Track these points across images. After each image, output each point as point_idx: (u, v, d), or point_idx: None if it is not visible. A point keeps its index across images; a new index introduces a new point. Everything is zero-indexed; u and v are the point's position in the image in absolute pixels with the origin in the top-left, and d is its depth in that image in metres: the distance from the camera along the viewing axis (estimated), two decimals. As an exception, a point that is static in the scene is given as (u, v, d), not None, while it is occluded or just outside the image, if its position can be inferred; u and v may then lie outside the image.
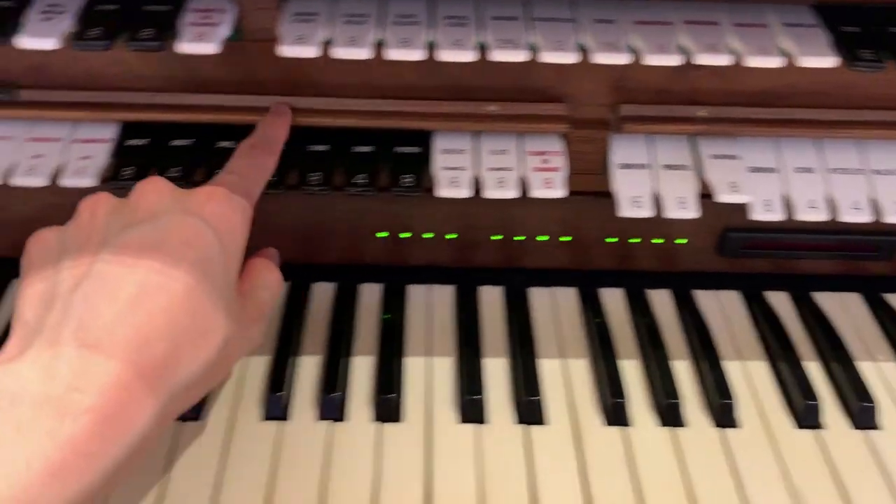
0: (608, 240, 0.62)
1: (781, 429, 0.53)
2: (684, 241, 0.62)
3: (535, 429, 0.51)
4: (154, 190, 0.42)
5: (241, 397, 0.53)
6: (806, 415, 0.53)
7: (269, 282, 0.47)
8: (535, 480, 0.48)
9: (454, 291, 0.62)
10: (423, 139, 0.55)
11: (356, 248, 0.62)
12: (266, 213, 0.59)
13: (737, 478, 0.49)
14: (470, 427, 0.51)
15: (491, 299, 0.61)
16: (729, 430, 0.52)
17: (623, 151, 0.56)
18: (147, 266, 0.38)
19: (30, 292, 0.40)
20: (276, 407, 0.51)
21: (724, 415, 0.53)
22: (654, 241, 0.62)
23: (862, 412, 0.53)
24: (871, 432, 0.53)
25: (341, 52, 0.47)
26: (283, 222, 0.60)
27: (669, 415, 0.53)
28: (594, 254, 0.63)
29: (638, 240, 0.62)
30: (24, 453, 0.33)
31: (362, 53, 0.47)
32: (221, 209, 0.42)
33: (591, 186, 0.58)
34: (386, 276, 0.62)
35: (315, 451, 0.49)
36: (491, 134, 0.55)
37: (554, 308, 0.61)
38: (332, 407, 0.52)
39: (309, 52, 0.47)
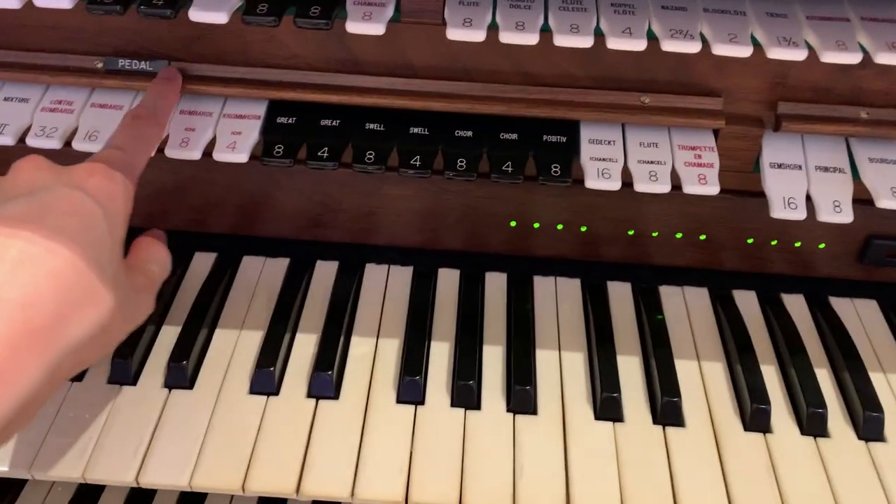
0: (749, 241, 0.60)
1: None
2: (823, 245, 0.60)
3: (670, 430, 0.51)
4: (32, 167, 0.44)
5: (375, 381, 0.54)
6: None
7: (158, 256, 0.49)
8: (674, 477, 0.48)
9: (580, 285, 0.61)
10: (570, 129, 0.54)
11: (482, 236, 0.62)
12: (396, 197, 0.60)
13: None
14: (608, 425, 0.52)
15: (620, 293, 0.61)
16: (872, 444, 0.51)
17: (777, 150, 0.54)
18: (29, 236, 0.39)
19: None
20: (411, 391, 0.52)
21: (869, 427, 0.51)
22: (796, 244, 0.60)
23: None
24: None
25: (508, 37, 0.46)
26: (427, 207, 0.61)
27: (812, 424, 0.51)
28: (729, 254, 0.62)
29: (775, 242, 0.60)
30: None
31: (531, 39, 0.46)
32: (102, 182, 0.44)
33: (738, 185, 0.56)
34: (511, 266, 0.62)
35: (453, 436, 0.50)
36: (639, 126, 0.54)
37: (685, 307, 0.60)
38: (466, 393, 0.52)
39: (477, 36, 0.46)
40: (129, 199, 0.46)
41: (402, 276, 0.61)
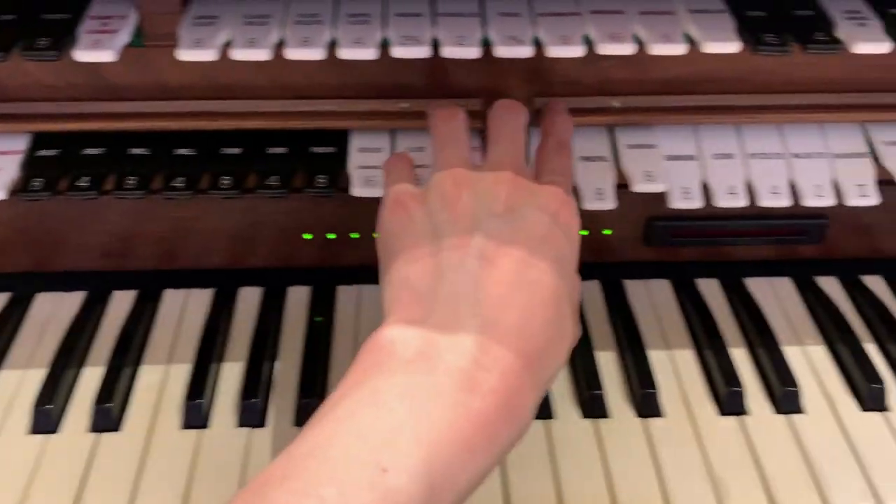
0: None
1: (704, 417, 0.53)
2: (609, 231, 0.62)
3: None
4: (509, 177, 0.42)
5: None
6: (729, 401, 0.53)
7: (580, 286, 0.46)
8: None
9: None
10: (341, 140, 0.55)
11: (283, 251, 0.62)
12: (185, 219, 0.60)
13: (657, 467, 0.50)
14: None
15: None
16: (651, 420, 0.52)
17: (542, 144, 0.56)
18: (518, 258, 0.38)
19: (412, 259, 0.40)
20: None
21: (646, 404, 0.53)
22: (581, 232, 0.62)
23: (785, 397, 0.53)
24: (795, 416, 0.53)
25: (241, 55, 0.46)
26: (206, 227, 0.60)
27: (592, 406, 0.53)
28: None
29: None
30: (444, 422, 0.32)
31: (262, 55, 0.46)
32: (565, 210, 0.42)
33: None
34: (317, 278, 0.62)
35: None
36: (407, 132, 0.55)
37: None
38: (251, 412, 0.52)
39: (208, 55, 0.46)
40: (580, 227, 0.44)
41: (201, 299, 0.61)
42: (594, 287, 0.62)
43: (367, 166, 0.53)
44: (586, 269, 0.62)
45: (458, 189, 0.42)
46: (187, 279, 0.62)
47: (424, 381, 0.33)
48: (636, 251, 0.63)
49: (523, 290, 0.37)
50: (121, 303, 0.60)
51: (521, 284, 0.37)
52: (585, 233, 0.62)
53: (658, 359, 0.56)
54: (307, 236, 0.61)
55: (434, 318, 0.36)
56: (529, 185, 0.43)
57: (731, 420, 0.53)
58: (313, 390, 0.53)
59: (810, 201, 0.54)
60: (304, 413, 0.51)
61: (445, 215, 0.41)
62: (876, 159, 0.56)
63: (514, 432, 0.35)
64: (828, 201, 0.54)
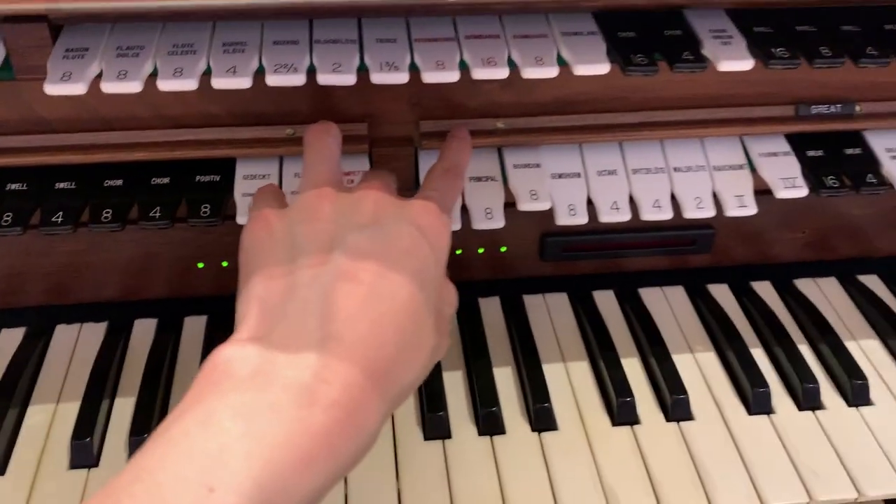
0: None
1: (597, 427, 0.54)
2: (505, 248, 0.63)
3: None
4: (376, 194, 0.43)
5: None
6: (621, 412, 0.54)
7: (452, 299, 0.47)
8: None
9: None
10: (227, 168, 0.55)
11: (178, 281, 0.61)
12: (73, 253, 0.58)
13: (551, 481, 0.50)
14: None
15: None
16: (546, 434, 0.53)
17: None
18: (376, 271, 0.38)
19: (267, 276, 0.40)
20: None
21: (540, 419, 0.54)
22: (479, 250, 0.63)
23: (675, 405, 0.55)
24: (684, 423, 0.54)
25: (111, 87, 0.46)
26: (96, 260, 0.59)
27: (488, 423, 0.53)
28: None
29: (459, 251, 0.62)
30: (279, 437, 0.32)
31: (133, 87, 0.46)
32: (435, 223, 0.42)
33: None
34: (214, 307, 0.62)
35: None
36: (294, 157, 0.55)
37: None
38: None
39: (77, 88, 0.46)
40: (450, 245, 0.44)
41: (94, 333, 0.60)
42: (494, 303, 0.63)
43: (253, 194, 0.53)
44: (486, 286, 0.64)
45: (321, 202, 0.42)
46: (80, 313, 0.60)
47: (260, 397, 0.33)
48: (534, 267, 0.64)
49: (375, 304, 0.37)
50: (8, 340, 0.59)
51: (373, 297, 0.37)
52: (482, 250, 0.63)
53: (554, 372, 0.57)
54: (200, 265, 0.60)
55: (277, 333, 0.36)
56: (399, 200, 0.43)
57: (623, 430, 0.54)
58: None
59: (691, 213, 0.56)
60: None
61: (306, 229, 0.41)
62: (753, 170, 0.58)
63: (359, 445, 0.35)
64: (708, 213, 0.56)
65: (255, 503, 0.31)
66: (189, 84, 0.46)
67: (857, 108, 0.58)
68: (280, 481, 0.32)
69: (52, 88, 0.45)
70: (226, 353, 0.35)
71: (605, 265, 0.66)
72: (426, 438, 0.53)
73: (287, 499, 0.32)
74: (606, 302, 0.64)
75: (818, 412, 0.55)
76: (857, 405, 0.56)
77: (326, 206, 0.42)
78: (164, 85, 0.46)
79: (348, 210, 0.42)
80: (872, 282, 0.67)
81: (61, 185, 0.52)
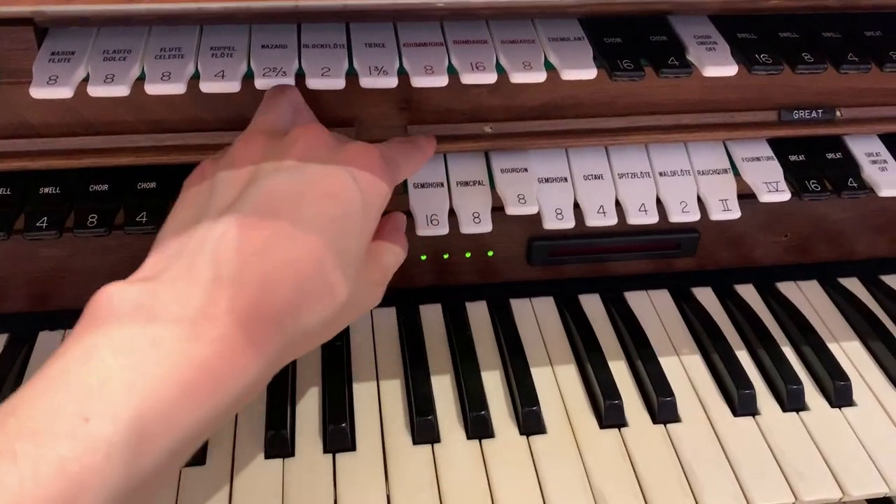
0: (422, 257, 0.63)
1: (585, 430, 0.54)
2: (492, 253, 0.63)
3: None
4: (310, 135, 0.42)
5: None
6: (609, 415, 0.55)
7: (396, 247, 0.47)
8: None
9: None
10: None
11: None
12: (58, 258, 0.58)
13: (540, 484, 0.50)
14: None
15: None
16: (535, 437, 0.53)
17: (421, 171, 0.56)
18: (286, 214, 0.38)
19: (177, 217, 0.41)
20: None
21: (529, 422, 0.54)
22: (466, 255, 0.63)
23: (662, 407, 0.55)
24: (671, 425, 0.55)
25: (98, 91, 0.45)
26: (82, 266, 0.58)
27: (477, 427, 0.53)
28: (414, 272, 0.64)
29: (447, 255, 0.62)
30: (161, 368, 0.33)
31: (120, 90, 0.46)
32: (371, 169, 0.42)
33: (395, 207, 0.58)
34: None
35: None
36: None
37: (374, 327, 0.61)
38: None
39: (63, 92, 0.45)
40: (388, 195, 0.44)
41: None
42: (481, 307, 0.63)
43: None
44: (473, 290, 0.64)
45: (250, 147, 0.42)
46: (64, 320, 0.60)
47: (143, 332, 0.34)
48: (521, 271, 0.65)
49: (274, 247, 0.37)
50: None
51: (274, 240, 0.38)
52: (469, 255, 0.63)
53: (542, 376, 0.58)
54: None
55: (169, 273, 0.37)
56: (336, 142, 0.43)
57: (611, 433, 0.54)
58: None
59: (676, 217, 0.56)
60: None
61: (228, 174, 0.41)
62: (737, 175, 0.58)
63: (244, 383, 0.36)
64: (693, 217, 0.56)
65: (134, 431, 0.32)
66: (177, 88, 0.46)
67: (838, 113, 0.59)
68: (161, 411, 0.33)
69: (38, 92, 0.45)
70: (109, 291, 0.36)
71: (591, 269, 0.66)
72: (415, 443, 0.52)
73: (169, 429, 0.33)
74: (593, 305, 0.64)
75: (802, 413, 0.56)
76: (839, 406, 0.57)
77: (255, 151, 0.42)
78: (152, 89, 0.46)
79: (276, 152, 0.41)
80: (853, 284, 0.68)
81: (46, 190, 0.52)
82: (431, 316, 0.62)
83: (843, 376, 0.58)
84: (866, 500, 0.56)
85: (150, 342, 0.34)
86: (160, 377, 0.33)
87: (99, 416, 0.31)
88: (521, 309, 0.63)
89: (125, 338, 0.34)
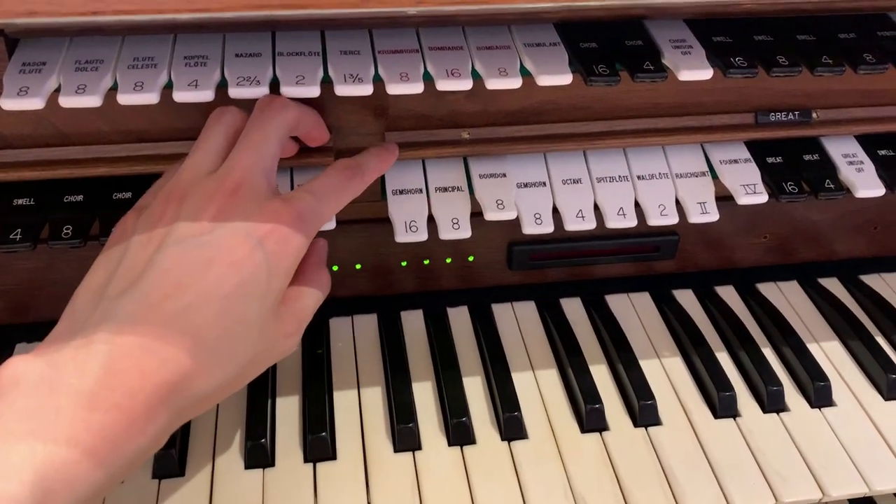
0: (402, 263, 0.62)
1: (567, 435, 0.54)
2: (472, 258, 0.63)
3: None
4: (227, 195, 0.42)
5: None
6: (590, 419, 0.55)
7: (312, 289, 0.47)
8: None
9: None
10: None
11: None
12: (35, 270, 0.57)
13: (521, 490, 0.50)
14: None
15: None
16: (516, 443, 0.53)
17: (399, 177, 0.56)
18: (187, 286, 0.40)
19: (91, 278, 0.43)
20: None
21: (510, 428, 0.54)
22: (447, 260, 0.63)
23: (643, 410, 0.55)
24: (652, 429, 0.55)
25: (70, 102, 0.45)
26: (59, 277, 0.58)
27: (458, 433, 0.53)
28: (394, 278, 0.63)
29: (427, 261, 0.62)
30: (63, 434, 0.36)
31: (92, 101, 0.45)
32: (280, 232, 0.42)
33: (375, 214, 0.58)
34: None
35: None
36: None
37: (355, 335, 0.61)
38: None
39: (35, 103, 0.45)
40: (303, 254, 0.44)
41: None
42: (463, 313, 0.63)
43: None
44: (454, 296, 0.64)
45: (167, 204, 0.43)
46: (40, 332, 0.59)
47: (46, 402, 0.37)
48: (502, 275, 0.65)
49: (175, 320, 0.39)
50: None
51: (174, 313, 0.39)
52: (450, 260, 0.63)
53: (523, 381, 0.58)
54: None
55: (71, 345, 0.39)
56: (249, 201, 0.42)
57: (592, 437, 0.54)
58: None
59: (655, 220, 0.56)
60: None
61: (140, 238, 0.42)
62: (715, 177, 0.59)
63: (143, 442, 0.39)
64: (671, 220, 0.56)
65: (38, 490, 0.35)
66: (150, 98, 0.46)
67: (815, 115, 0.59)
68: (63, 472, 0.36)
69: (9, 103, 0.45)
70: (16, 364, 0.38)
71: (572, 273, 0.66)
72: (396, 450, 0.52)
73: (70, 487, 0.36)
74: (574, 309, 0.64)
75: (782, 414, 0.56)
76: (819, 406, 0.57)
77: (169, 209, 0.43)
78: (125, 99, 0.45)
79: (190, 211, 0.42)
80: (832, 284, 0.68)
81: (20, 202, 0.51)
82: (413, 322, 0.62)
83: (822, 377, 0.58)
84: (848, 500, 0.56)
85: (53, 410, 0.37)
86: (62, 442, 0.36)
87: (4, 478, 0.34)
88: (503, 314, 0.63)
89: (30, 407, 0.37)
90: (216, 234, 0.41)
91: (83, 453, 0.36)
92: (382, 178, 0.56)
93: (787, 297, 0.67)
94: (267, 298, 0.42)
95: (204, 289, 0.40)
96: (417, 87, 0.48)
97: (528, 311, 0.64)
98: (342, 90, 0.48)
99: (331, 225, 0.53)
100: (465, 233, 0.54)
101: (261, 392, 0.55)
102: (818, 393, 0.57)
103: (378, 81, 0.49)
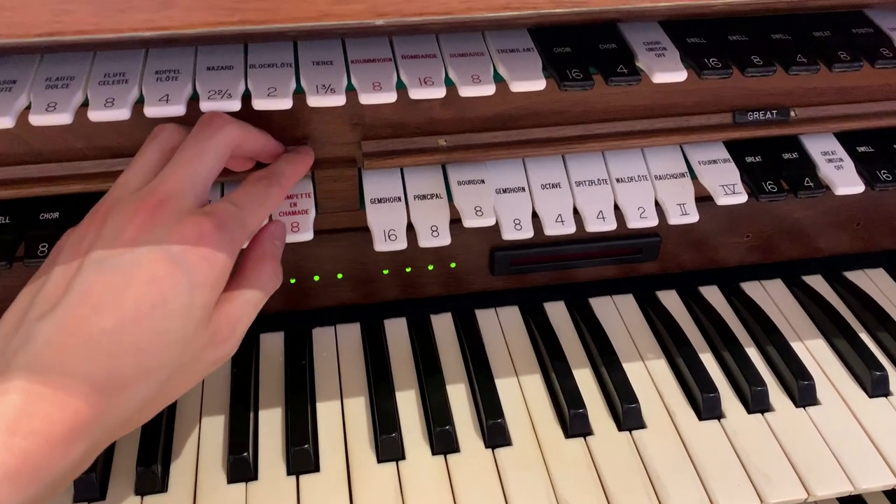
0: (384, 272, 0.62)
1: (551, 440, 0.54)
2: (454, 265, 0.63)
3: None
4: (148, 211, 0.42)
5: None
6: (574, 424, 0.54)
7: (251, 290, 0.46)
8: None
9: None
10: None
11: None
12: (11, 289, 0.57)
13: (505, 496, 0.50)
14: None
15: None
16: (500, 449, 0.53)
17: (377, 186, 0.56)
18: (104, 308, 0.39)
19: (19, 300, 0.43)
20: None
21: (494, 435, 0.54)
22: (429, 267, 0.63)
23: (626, 414, 0.55)
24: (636, 432, 0.55)
25: (40, 119, 0.45)
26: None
27: (442, 442, 0.53)
28: (377, 286, 0.63)
29: (409, 269, 0.62)
30: None
31: (63, 119, 0.45)
32: (200, 250, 0.42)
33: (353, 223, 0.58)
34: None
35: None
36: (237, 183, 0.54)
37: (338, 345, 0.61)
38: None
39: (5, 122, 0.45)
40: (230, 263, 0.44)
41: None
42: (446, 319, 0.63)
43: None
44: (437, 302, 0.64)
45: (91, 223, 0.43)
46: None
47: None
48: (485, 281, 0.65)
49: (93, 343, 0.39)
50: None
51: (90, 338, 0.39)
52: (432, 267, 0.63)
53: (507, 387, 0.57)
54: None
55: None
56: (170, 217, 0.42)
57: (576, 442, 0.54)
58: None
59: (635, 223, 0.56)
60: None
61: (66, 255, 0.43)
62: (694, 178, 0.59)
63: (65, 465, 0.39)
64: (651, 222, 0.56)
65: None
66: (121, 114, 0.45)
67: (793, 113, 0.59)
68: None
69: (-21, 123, 0.44)
70: None
71: (555, 276, 0.66)
72: (380, 461, 0.52)
73: None
74: (558, 313, 0.64)
75: (767, 414, 0.56)
76: (804, 405, 0.57)
77: (92, 231, 0.43)
78: (96, 116, 0.45)
79: (110, 232, 0.42)
80: (817, 281, 0.68)
81: (-3, 220, 0.51)
82: (396, 330, 0.62)
83: (806, 376, 0.58)
84: (837, 499, 0.56)
85: None
86: None
87: None
88: (486, 319, 0.63)
89: None
90: (135, 252, 0.41)
91: (5, 476, 0.37)
92: (360, 187, 0.56)
93: (772, 296, 0.67)
94: (192, 313, 0.42)
95: (121, 311, 0.40)
96: (391, 97, 0.48)
97: (511, 316, 0.64)
98: (314, 101, 0.47)
99: (309, 235, 0.53)
100: (444, 240, 0.54)
101: (243, 405, 0.55)
102: (802, 392, 0.57)
103: (351, 91, 0.49)
